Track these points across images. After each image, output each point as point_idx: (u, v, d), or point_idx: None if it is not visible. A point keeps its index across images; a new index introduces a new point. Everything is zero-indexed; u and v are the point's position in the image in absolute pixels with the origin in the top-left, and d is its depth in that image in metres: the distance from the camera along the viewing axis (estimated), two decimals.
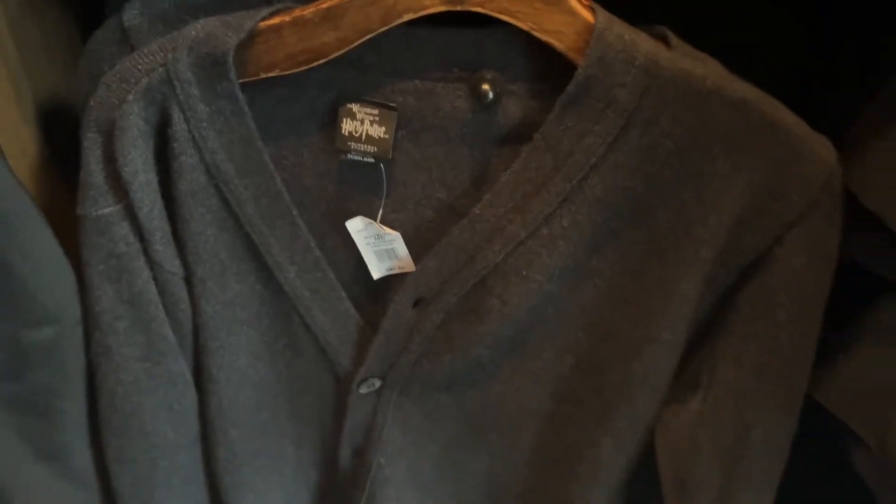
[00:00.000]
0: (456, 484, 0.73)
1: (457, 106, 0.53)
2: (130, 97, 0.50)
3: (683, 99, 0.49)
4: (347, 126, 0.54)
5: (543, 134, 0.52)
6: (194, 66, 0.50)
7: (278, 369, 0.66)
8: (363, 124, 0.53)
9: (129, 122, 0.51)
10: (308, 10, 0.50)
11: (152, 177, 0.54)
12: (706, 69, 0.50)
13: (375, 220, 0.58)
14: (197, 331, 0.61)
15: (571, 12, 0.49)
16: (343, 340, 0.63)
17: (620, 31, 0.49)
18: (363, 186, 0.58)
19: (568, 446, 0.67)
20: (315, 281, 0.60)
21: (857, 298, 0.57)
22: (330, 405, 0.68)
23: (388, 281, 0.62)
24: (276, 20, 0.50)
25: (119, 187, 0.53)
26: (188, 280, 0.59)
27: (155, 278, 0.57)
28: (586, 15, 0.49)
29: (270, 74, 0.51)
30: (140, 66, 0.50)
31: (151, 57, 0.50)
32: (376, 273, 0.62)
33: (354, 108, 0.53)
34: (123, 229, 0.55)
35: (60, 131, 0.61)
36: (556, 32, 0.49)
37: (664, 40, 0.52)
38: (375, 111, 0.53)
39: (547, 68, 0.52)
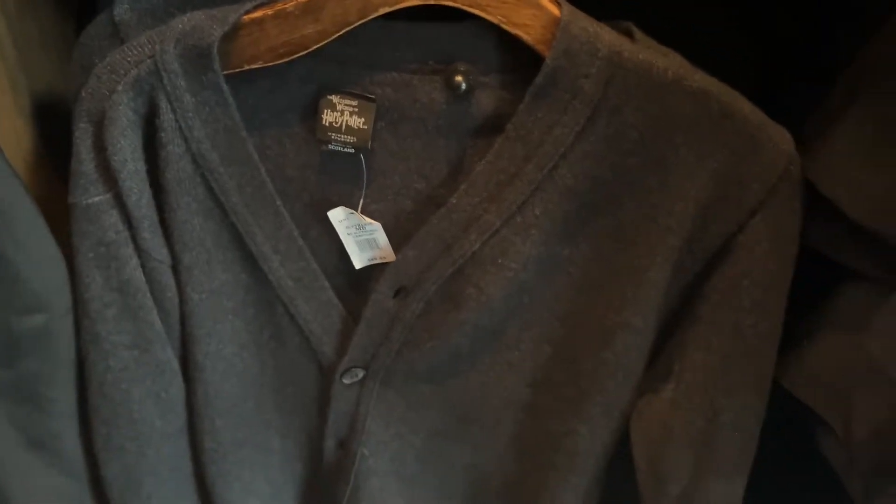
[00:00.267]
0: (439, 475, 0.74)
1: (433, 97, 0.55)
2: (120, 87, 0.52)
3: (646, 89, 0.52)
4: (328, 117, 0.56)
5: (515, 125, 0.54)
6: (181, 58, 0.52)
7: (263, 359, 0.67)
8: (343, 115, 0.56)
9: (118, 112, 0.53)
10: (289, 4, 0.52)
11: (141, 166, 0.56)
12: (668, 61, 0.52)
13: (356, 211, 0.60)
14: (184, 319, 0.63)
15: (538, 6, 0.51)
16: (326, 330, 0.65)
17: (584, 24, 0.51)
18: (344, 177, 0.60)
19: (546, 435, 0.68)
20: (298, 270, 0.62)
21: (819, 286, 0.59)
22: (314, 396, 0.69)
23: (370, 271, 0.64)
24: (259, 13, 0.52)
25: (109, 176, 0.55)
26: (175, 268, 0.60)
27: (143, 266, 0.59)
28: (552, 8, 0.51)
29: (254, 66, 0.53)
30: (129, 58, 0.52)
31: (140, 49, 0.52)
32: (358, 263, 0.63)
33: (335, 99, 0.55)
34: (112, 217, 0.57)
35: (55, 124, 0.63)
36: (524, 25, 0.51)
37: (629, 35, 0.54)
38: (355, 102, 0.55)
39: (517, 61, 0.54)
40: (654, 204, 0.55)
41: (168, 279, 0.61)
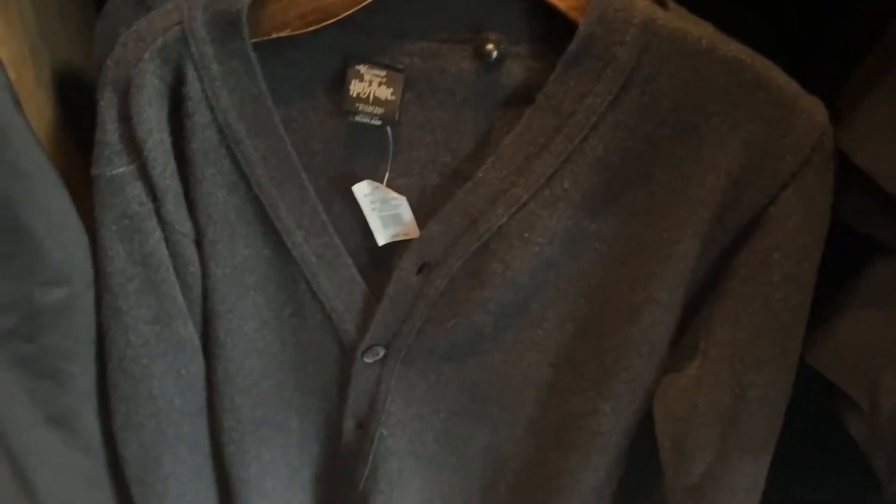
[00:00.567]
0: (457, 456, 0.74)
1: (462, 67, 0.55)
2: (146, 55, 0.52)
3: (680, 58, 0.51)
4: (356, 88, 0.55)
5: (545, 94, 0.54)
6: (209, 25, 0.52)
7: (283, 337, 0.67)
8: (371, 86, 0.55)
9: (144, 81, 0.52)
10: None
11: (166, 136, 0.55)
12: (702, 30, 0.51)
13: (382, 185, 0.60)
14: (206, 294, 0.62)
15: None
16: (348, 307, 0.64)
17: None
18: (369, 150, 0.59)
19: (568, 414, 0.68)
20: (322, 246, 0.62)
21: (848, 261, 0.58)
22: (334, 375, 0.69)
23: (392, 249, 0.63)
24: None
25: (133, 147, 0.55)
26: (198, 242, 0.60)
27: (166, 239, 0.59)
28: None
29: (282, 34, 0.53)
30: (156, 25, 0.52)
31: (168, 16, 0.52)
32: (381, 239, 0.63)
33: (363, 69, 0.55)
34: (136, 189, 0.56)
35: (73, 96, 0.62)
36: None
37: (662, 4, 0.54)
38: (383, 73, 0.55)
39: (548, 29, 0.53)
40: (685, 175, 0.55)
41: (191, 253, 0.60)
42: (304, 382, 0.70)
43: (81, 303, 0.59)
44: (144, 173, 0.56)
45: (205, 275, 0.61)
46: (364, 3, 0.52)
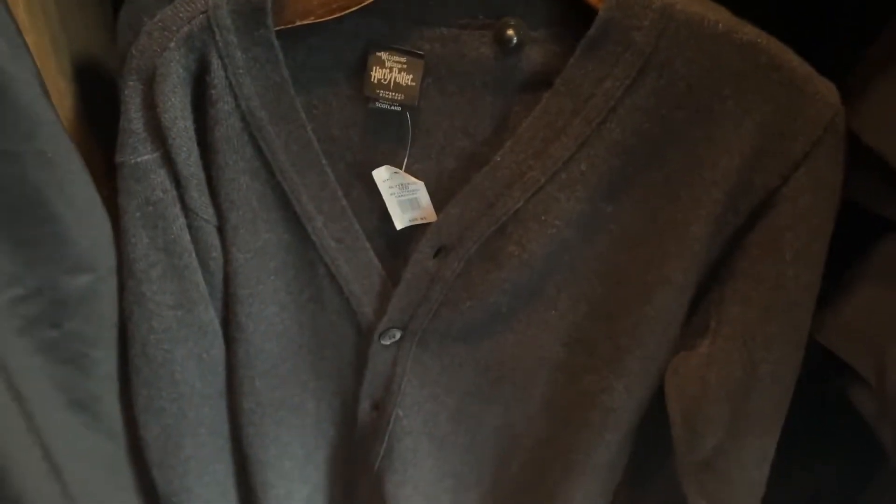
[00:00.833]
0: (470, 435, 0.75)
1: (481, 53, 0.56)
2: (172, 44, 0.52)
3: (697, 42, 0.52)
4: (377, 74, 0.56)
5: (564, 79, 0.55)
6: (234, 13, 0.52)
7: (301, 321, 0.68)
8: (392, 72, 0.56)
9: (169, 69, 0.53)
10: None
11: (190, 124, 0.56)
12: (718, 14, 0.52)
13: (400, 170, 0.61)
14: (227, 279, 0.63)
15: None
16: (366, 291, 0.65)
17: None
18: (388, 136, 0.60)
19: (581, 393, 0.69)
20: (341, 231, 0.63)
21: (857, 239, 0.60)
22: (350, 358, 0.70)
23: (409, 235, 0.64)
24: None
25: (158, 135, 0.55)
26: (220, 228, 0.61)
27: (189, 226, 0.60)
28: None
29: (306, 21, 0.54)
30: (182, 14, 0.52)
31: (192, 5, 0.52)
32: (399, 223, 0.64)
33: (384, 55, 0.56)
34: (160, 176, 0.57)
35: (92, 85, 0.63)
36: None
37: None
38: (403, 59, 0.56)
39: (566, 14, 0.54)
40: (699, 157, 0.56)
41: (213, 239, 0.61)
42: (321, 365, 0.71)
43: (105, 289, 0.60)
44: (168, 161, 0.56)
45: (227, 260, 0.62)
46: None
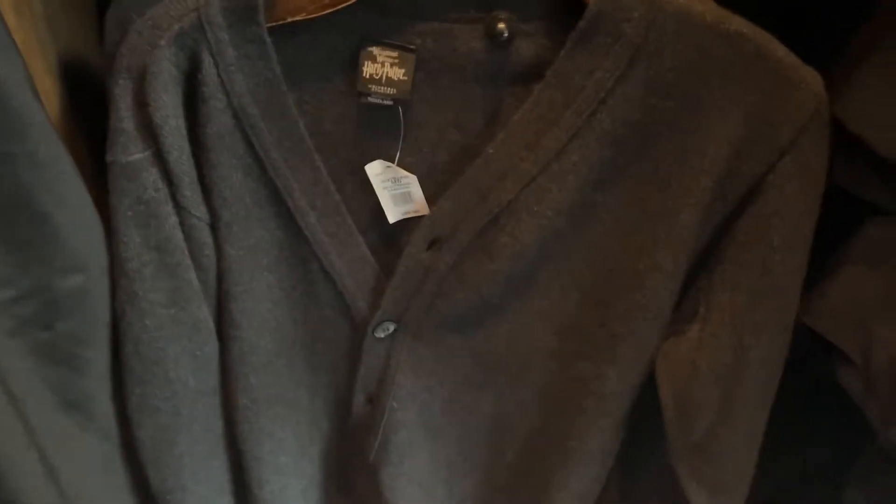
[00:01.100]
0: (465, 425, 0.75)
1: (472, 46, 0.56)
2: (163, 42, 0.52)
3: (685, 32, 0.53)
4: (368, 69, 0.56)
5: (555, 71, 0.55)
6: (225, 11, 0.52)
7: (295, 316, 0.68)
8: (384, 67, 0.56)
9: (160, 67, 0.53)
10: None
11: (181, 122, 0.56)
12: (706, 6, 0.53)
13: (393, 164, 0.61)
14: (221, 276, 0.63)
15: None
16: (360, 284, 0.66)
17: None
18: (380, 130, 0.60)
19: (574, 380, 0.70)
20: (334, 226, 0.63)
21: (841, 222, 0.61)
22: (344, 352, 0.70)
23: (402, 228, 0.65)
24: None
25: (149, 133, 0.55)
26: (213, 226, 0.61)
27: (181, 224, 0.60)
28: None
29: (297, 18, 0.54)
30: (173, 12, 0.52)
31: (184, 3, 0.52)
32: (392, 217, 0.64)
33: (375, 50, 0.56)
34: (152, 175, 0.57)
35: (78, 84, 0.62)
36: None
37: None
38: (395, 54, 0.56)
39: (557, 7, 0.55)
40: (688, 146, 0.57)
41: (206, 236, 0.61)
42: (315, 360, 0.71)
43: (97, 288, 0.60)
44: (160, 159, 0.56)
45: (219, 257, 0.62)
46: None
